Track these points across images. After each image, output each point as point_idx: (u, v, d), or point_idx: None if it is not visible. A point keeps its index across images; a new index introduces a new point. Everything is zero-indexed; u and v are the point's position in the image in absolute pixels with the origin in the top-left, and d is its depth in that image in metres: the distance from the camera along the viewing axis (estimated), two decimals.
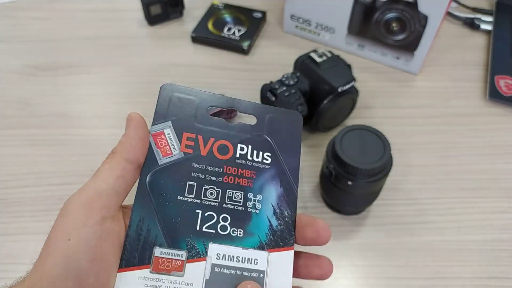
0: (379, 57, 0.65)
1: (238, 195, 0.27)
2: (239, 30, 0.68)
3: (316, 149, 0.55)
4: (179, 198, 0.26)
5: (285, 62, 0.60)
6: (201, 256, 0.25)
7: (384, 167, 0.43)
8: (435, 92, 0.62)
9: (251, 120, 0.29)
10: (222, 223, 0.26)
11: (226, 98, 0.29)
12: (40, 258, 0.23)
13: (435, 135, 0.57)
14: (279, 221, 0.27)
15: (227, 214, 0.26)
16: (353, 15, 0.62)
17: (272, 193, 0.27)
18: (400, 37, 0.61)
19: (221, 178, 0.27)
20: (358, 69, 0.60)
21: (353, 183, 0.42)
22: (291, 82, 0.51)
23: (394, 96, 0.62)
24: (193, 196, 0.26)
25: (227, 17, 0.71)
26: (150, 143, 0.26)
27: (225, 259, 0.26)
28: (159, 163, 0.26)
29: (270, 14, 0.73)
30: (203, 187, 0.27)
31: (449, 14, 0.71)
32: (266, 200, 0.27)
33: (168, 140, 0.27)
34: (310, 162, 0.54)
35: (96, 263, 0.22)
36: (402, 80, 0.64)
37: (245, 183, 0.27)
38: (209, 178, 0.27)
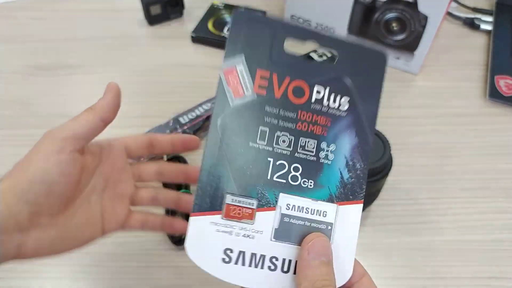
0: None
1: (311, 144, 0.26)
2: None
3: None
4: (250, 144, 0.25)
5: None
6: (271, 206, 0.25)
7: (384, 167, 0.43)
8: (435, 92, 0.62)
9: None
10: (293, 173, 0.26)
11: (306, 28, 0.26)
12: (21, 165, 0.30)
13: (435, 135, 0.57)
14: (351, 174, 0.26)
15: (299, 164, 0.26)
16: (353, 15, 0.62)
17: (346, 143, 0.26)
18: (400, 37, 0.61)
19: (294, 125, 0.25)
20: None
21: None
22: None
23: (394, 96, 0.62)
24: (265, 143, 0.25)
25: (227, 17, 0.71)
26: (220, 81, 0.25)
27: (294, 210, 0.26)
28: (231, 105, 0.25)
29: (270, 14, 0.73)
30: (276, 134, 0.25)
31: (449, 14, 0.71)
32: (340, 150, 0.26)
33: (241, 78, 0.25)
34: None
35: (64, 177, 0.29)
36: (402, 80, 0.64)
37: (319, 131, 0.26)
38: (282, 124, 0.25)
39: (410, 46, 0.61)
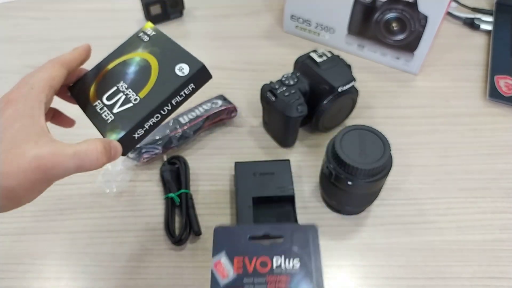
0: (379, 57, 0.65)
1: None
2: None
3: (316, 149, 0.55)
4: None
5: (285, 62, 0.60)
6: None
7: (384, 167, 0.43)
8: (435, 92, 0.62)
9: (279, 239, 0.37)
10: None
11: (259, 227, 0.37)
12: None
13: (435, 135, 0.57)
14: None
15: None
16: (353, 15, 0.62)
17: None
18: (400, 37, 0.61)
19: (266, 286, 0.34)
20: (358, 69, 0.60)
21: (353, 183, 0.42)
22: (291, 82, 0.51)
23: (394, 96, 0.62)
24: None
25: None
26: (212, 271, 0.35)
27: None
28: (221, 285, 0.34)
29: (270, 14, 0.73)
30: None
31: (449, 14, 0.71)
32: None
33: (224, 266, 0.35)
34: (310, 162, 0.54)
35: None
36: (402, 80, 0.64)
37: (283, 286, 0.34)
38: None
39: (410, 46, 0.61)
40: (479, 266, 0.45)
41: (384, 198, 0.50)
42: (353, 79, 0.52)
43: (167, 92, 0.36)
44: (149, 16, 0.70)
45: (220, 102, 0.57)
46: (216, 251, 0.36)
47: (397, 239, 0.47)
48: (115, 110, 0.37)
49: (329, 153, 0.44)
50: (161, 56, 0.39)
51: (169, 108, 0.37)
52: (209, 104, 0.57)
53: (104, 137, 0.35)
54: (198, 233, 0.47)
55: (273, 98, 0.51)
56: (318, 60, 0.52)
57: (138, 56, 0.40)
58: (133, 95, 0.37)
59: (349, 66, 0.55)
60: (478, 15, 0.71)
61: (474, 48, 0.68)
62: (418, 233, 0.48)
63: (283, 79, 0.52)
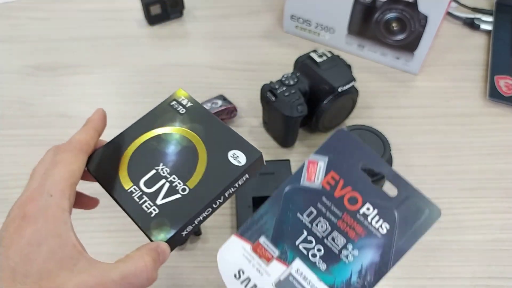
0: (379, 57, 0.65)
1: (340, 240, 0.31)
2: None
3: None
4: (298, 215, 0.32)
5: (285, 62, 0.60)
6: (287, 262, 0.31)
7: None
8: (435, 92, 0.62)
9: (393, 191, 0.31)
10: (315, 251, 0.31)
11: (382, 163, 0.32)
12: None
13: (435, 135, 0.57)
14: (359, 280, 0.30)
15: (323, 247, 0.31)
16: (353, 15, 0.62)
17: (368, 256, 0.30)
18: (400, 37, 0.61)
19: (336, 220, 0.31)
20: (358, 69, 0.60)
21: None
22: (291, 82, 0.51)
23: (394, 96, 0.62)
24: (308, 220, 0.32)
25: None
26: (303, 164, 0.33)
27: (300, 276, 0.31)
28: (300, 183, 0.32)
29: (270, 14, 0.73)
30: (319, 218, 0.32)
31: (449, 14, 0.71)
32: (360, 258, 0.30)
33: (317, 170, 0.32)
34: None
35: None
36: (402, 80, 0.64)
37: (352, 236, 0.31)
38: (327, 215, 0.32)
39: (410, 46, 0.61)
40: (479, 266, 0.45)
41: None
42: (353, 79, 0.52)
43: (222, 185, 0.31)
44: (149, 16, 0.70)
45: (220, 102, 0.57)
46: (321, 151, 0.32)
47: None
48: (159, 201, 0.31)
49: None
50: (207, 136, 0.34)
51: (221, 200, 0.32)
52: (209, 104, 0.57)
53: (147, 234, 0.30)
54: (198, 233, 0.47)
55: (273, 98, 0.51)
56: (318, 60, 0.52)
57: (176, 132, 0.34)
58: (179, 183, 0.31)
59: (349, 66, 0.55)
60: (478, 15, 0.71)
61: (474, 48, 0.68)
62: None
63: (283, 79, 0.52)
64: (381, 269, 0.29)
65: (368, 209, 0.31)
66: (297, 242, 0.31)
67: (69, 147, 0.30)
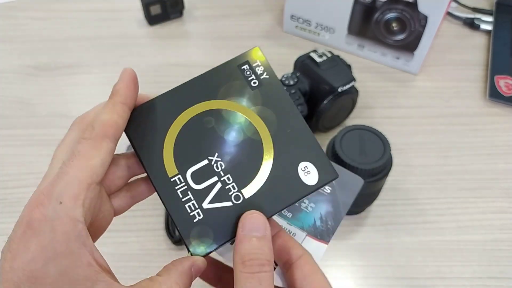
0: (379, 57, 0.65)
1: None
2: None
3: None
4: None
5: (285, 62, 0.60)
6: None
7: (384, 167, 0.43)
8: (435, 92, 0.62)
9: None
10: None
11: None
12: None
13: (435, 135, 0.57)
14: (322, 224, 0.33)
15: None
16: (353, 15, 0.62)
17: (323, 207, 0.33)
18: (400, 37, 0.61)
19: None
20: (358, 69, 0.60)
21: None
22: (291, 82, 0.51)
23: (394, 96, 0.62)
24: None
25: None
26: None
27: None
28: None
29: (270, 14, 0.73)
30: None
31: (449, 14, 0.71)
32: (317, 209, 0.33)
33: None
34: None
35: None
36: (402, 80, 0.64)
37: None
38: None
39: (410, 46, 0.61)
40: (479, 266, 0.45)
41: (384, 198, 0.50)
42: (353, 79, 0.52)
43: (282, 204, 0.26)
44: (149, 16, 0.70)
45: None
46: None
47: (397, 239, 0.47)
48: (206, 205, 0.26)
49: (329, 153, 0.44)
50: (279, 133, 0.27)
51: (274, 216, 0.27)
52: None
53: (185, 243, 0.25)
54: None
55: None
56: (318, 60, 0.52)
57: (243, 114, 0.27)
58: (233, 187, 0.26)
59: (349, 66, 0.55)
60: (478, 15, 0.71)
61: (474, 48, 0.68)
62: (418, 233, 0.48)
63: (283, 79, 0.52)
64: (336, 216, 0.33)
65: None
66: None
67: (91, 134, 0.24)
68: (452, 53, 0.67)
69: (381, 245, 0.47)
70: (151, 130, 0.26)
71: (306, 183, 0.26)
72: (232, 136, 0.27)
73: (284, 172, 0.26)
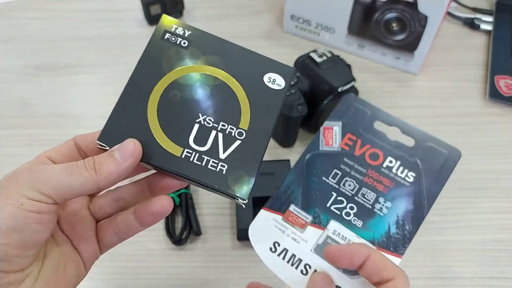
0: (379, 57, 0.65)
1: (370, 195, 0.31)
2: None
3: None
4: (323, 178, 0.32)
5: (285, 62, 0.60)
6: (322, 226, 0.31)
7: None
8: (435, 92, 0.62)
9: (410, 141, 0.32)
10: (348, 210, 0.31)
11: (392, 117, 0.33)
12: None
13: (435, 135, 0.57)
14: (398, 231, 0.30)
15: (355, 205, 0.31)
16: (353, 15, 0.62)
17: (401, 206, 0.31)
18: (400, 37, 0.61)
19: (362, 177, 0.32)
20: (358, 69, 0.60)
21: None
22: (291, 82, 0.51)
23: (394, 96, 0.62)
24: (334, 181, 0.32)
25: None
26: (318, 132, 0.32)
27: (338, 236, 0.30)
28: (320, 149, 0.32)
29: (270, 14, 0.73)
30: (345, 178, 0.32)
31: (449, 14, 0.71)
32: (394, 209, 0.31)
33: (334, 135, 0.32)
34: None
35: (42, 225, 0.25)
36: (402, 80, 0.64)
37: (381, 189, 0.31)
38: (352, 173, 0.32)
39: (410, 46, 0.61)
40: (479, 266, 0.45)
41: None
42: (353, 79, 0.52)
43: (274, 114, 0.29)
44: (149, 16, 0.70)
45: None
46: (334, 117, 0.33)
47: None
48: (223, 155, 0.28)
49: None
50: (231, 67, 0.30)
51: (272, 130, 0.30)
52: None
53: (229, 194, 0.27)
54: (198, 233, 0.47)
55: None
56: (318, 60, 0.52)
57: (195, 72, 0.30)
58: (232, 129, 0.29)
59: (349, 66, 0.55)
60: (478, 15, 0.71)
61: (474, 48, 0.68)
62: (418, 233, 0.48)
63: None
64: (417, 215, 0.30)
65: (390, 162, 0.32)
66: (328, 204, 0.31)
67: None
68: (452, 53, 0.67)
69: None
70: (133, 132, 0.28)
71: (278, 88, 0.30)
72: (201, 93, 0.29)
73: (258, 93, 0.30)
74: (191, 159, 0.28)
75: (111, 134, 0.28)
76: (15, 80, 0.64)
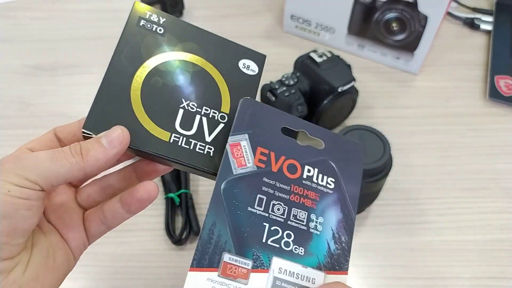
0: (379, 57, 0.65)
1: (302, 215, 0.28)
2: None
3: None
4: (249, 209, 0.28)
5: (285, 62, 0.60)
6: (265, 268, 0.27)
7: (384, 167, 0.43)
8: (435, 92, 0.62)
9: (319, 143, 0.30)
10: (286, 239, 0.28)
11: (298, 120, 0.30)
12: None
13: (435, 135, 0.57)
14: (337, 245, 0.28)
15: (291, 231, 0.28)
16: (353, 15, 0.62)
17: (332, 217, 0.28)
18: (400, 37, 0.61)
19: (288, 196, 0.28)
20: (358, 69, 0.60)
21: None
22: (291, 82, 0.51)
23: (394, 96, 0.62)
24: (262, 209, 0.28)
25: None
26: (226, 151, 0.28)
27: (286, 274, 0.27)
28: (234, 173, 0.28)
29: (270, 14, 0.73)
30: (271, 202, 0.28)
31: (449, 14, 0.71)
32: (327, 223, 0.28)
33: (244, 152, 0.28)
34: None
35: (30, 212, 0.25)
36: (402, 80, 0.64)
37: (309, 204, 0.28)
38: (277, 194, 0.28)
39: (410, 46, 0.61)
40: (479, 266, 0.45)
41: (384, 198, 0.50)
42: (353, 79, 0.52)
43: (252, 97, 0.30)
44: None
45: None
46: (236, 130, 0.28)
47: (397, 239, 0.47)
48: (209, 138, 0.29)
49: None
50: (208, 54, 0.31)
51: None
52: None
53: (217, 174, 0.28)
54: (198, 233, 0.47)
55: (273, 98, 0.51)
56: (318, 60, 0.52)
57: (174, 59, 0.30)
58: (214, 112, 0.30)
59: (349, 66, 0.55)
60: (478, 15, 0.71)
61: (474, 48, 0.68)
62: (418, 233, 0.48)
63: (283, 79, 0.52)
64: (348, 223, 0.29)
65: (309, 171, 0.29)
66: (263, 239, 0.27)
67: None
68: (452, 53, 0.67)
69: (381, 245, 0.47)
70: (118, 118, 0.28)
71: (253, 74, 0.31)
72: (182, 79, 0.30)
73: (235, 78, 0.31)
74: (179, 143, 0.28)
75: (95, 121, 0.28)
76: (15, 80, 0.64)
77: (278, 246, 0.27)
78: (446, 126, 0.58)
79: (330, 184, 0.29)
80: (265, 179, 0.28)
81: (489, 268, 0.45)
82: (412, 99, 0.61)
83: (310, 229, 0.28)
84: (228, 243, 0.26)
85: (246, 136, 0.28)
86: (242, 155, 0.28)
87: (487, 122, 0.58)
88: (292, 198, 0.28)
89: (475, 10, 0.72)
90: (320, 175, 0.29)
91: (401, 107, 0.60)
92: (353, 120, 0.58)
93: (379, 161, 0.41)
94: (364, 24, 0.62)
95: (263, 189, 0.28)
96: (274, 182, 0.28)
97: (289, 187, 0.28)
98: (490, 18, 0.70)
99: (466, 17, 0.71)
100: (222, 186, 0.27)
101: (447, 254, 0.46)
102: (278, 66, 0.64)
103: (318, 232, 0.28)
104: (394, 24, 0.60)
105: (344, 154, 0.30)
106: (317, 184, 0.29)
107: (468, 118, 0.59)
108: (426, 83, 0.63)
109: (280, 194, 0.28)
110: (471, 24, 0.70)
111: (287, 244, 0.27)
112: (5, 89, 0.63)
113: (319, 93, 0.52)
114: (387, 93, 0.62)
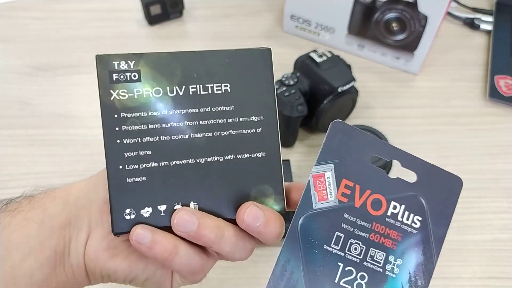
0: (379, 57, 0.65)
1: (380, 256, 0.27)
2: None
3: (316, 149, 0.55)
4: (325, 247, 0.26)
5: (285, 62, 0.60)
6: None
7: (384, 167, 0.43)
8: (435, 92, 0.62)
9: (411, 176, 0.28)
10: (359, 280, 0.26)
11: (391, 148, 0.28)
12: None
13: (435, 135, 0.57)
14: None
15: (366, 273, 0.26)
16: (353, 15, 0.62)
17: (412, 259, 0.27)
18: (400, 37, 0.61)
19: (368, 235, 0.27)
20: (358, 69, 0.60)
21: None
22: (291, 82, 0.51)
23: (394, 96, 0.62)
24: (338, 248, 0.26)
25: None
26: (309, 183, 0.26)
27: None
28: (314, 207, 0.26)
29: (270, 14, 0.73)
30: (349, 241, 0.27)
31: (449, 14, 0.71)
32: (405, 265, 0.27)
33: (327, 185, 0.26)
34: (310, 162, 0.54)
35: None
36: (402, 80, 0.64)
37: (389, 245, 0.27)
38: (356, 232, 0.27)
39: (410, 46, 0.61)
40: (479, 266, 0.45)
41: None
42: (353, 79, 0.52)
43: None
44: (149, 16, 0.70)
45: None
46: (322, 159, 0.27)
47: None
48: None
49: None
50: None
51: None
52: None
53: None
54: None
55: None
56: (318, 60, 0.52)
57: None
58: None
59: (349, 66, 0.55)
60: (478, 15, 0.71)
61: (474, 48, 0.68)
62: None
63: (283, 79, 0.52)
64: (428, 266, 0.26)
65: (394, 207, 0.27)
66: (336, 280, 0.26)
67: None
68: (452, 53, 0.67)
69: None
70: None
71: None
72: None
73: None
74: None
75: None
76: (15, 80, 0.64)
77: (350, 287, 0.26)
78: (446, 126, 0.58)
79: (415, 223, 0.27)
80: (346, 215, 0.27)
81: (489, 268, 0.45)
82: (412, 99, 0.61)
83: (386, 271, 0.26)
84: (299, 282, 0.26)
85: (332, 166, 0.27)
86: (325, 187, 0.26)
87: (487, 122, 0.58)
88: (371, 237, 0.27)
89: (475, 10, 0.72)
90: (406, 213, 0.27)
91: (401, 107, 0.60)
92: (353, 120, 0.58)
93: (379, 161, 0.41)
94: (364, 24, 0.62)
95: (342, 226, 0.27)
96: (355, 219, 0.27)
97: (370, 225, 0.27)
98: (490, 18, 0.70)
99: (466, 17, 0.71)
100: (300, 221, 0.26)
101: (447, 254, 0.46)
102: (278, 66, 0.63)
103: (394, 275, 0.26)
104: (394, 24, 0.60)
105: (437, 189, 0.27)
106: (401, 222, 0.27)
107: (468, 118, 0.59)
108: (426, 83, 0.63)
109: (359, 233, 0.27)
110: (471, 24, 0.70)
111: (359, 285, 0.26)
112: (5, 89, 0.63)
113: (319, 93, 0.52)
114: (387, 93, 0.62)
